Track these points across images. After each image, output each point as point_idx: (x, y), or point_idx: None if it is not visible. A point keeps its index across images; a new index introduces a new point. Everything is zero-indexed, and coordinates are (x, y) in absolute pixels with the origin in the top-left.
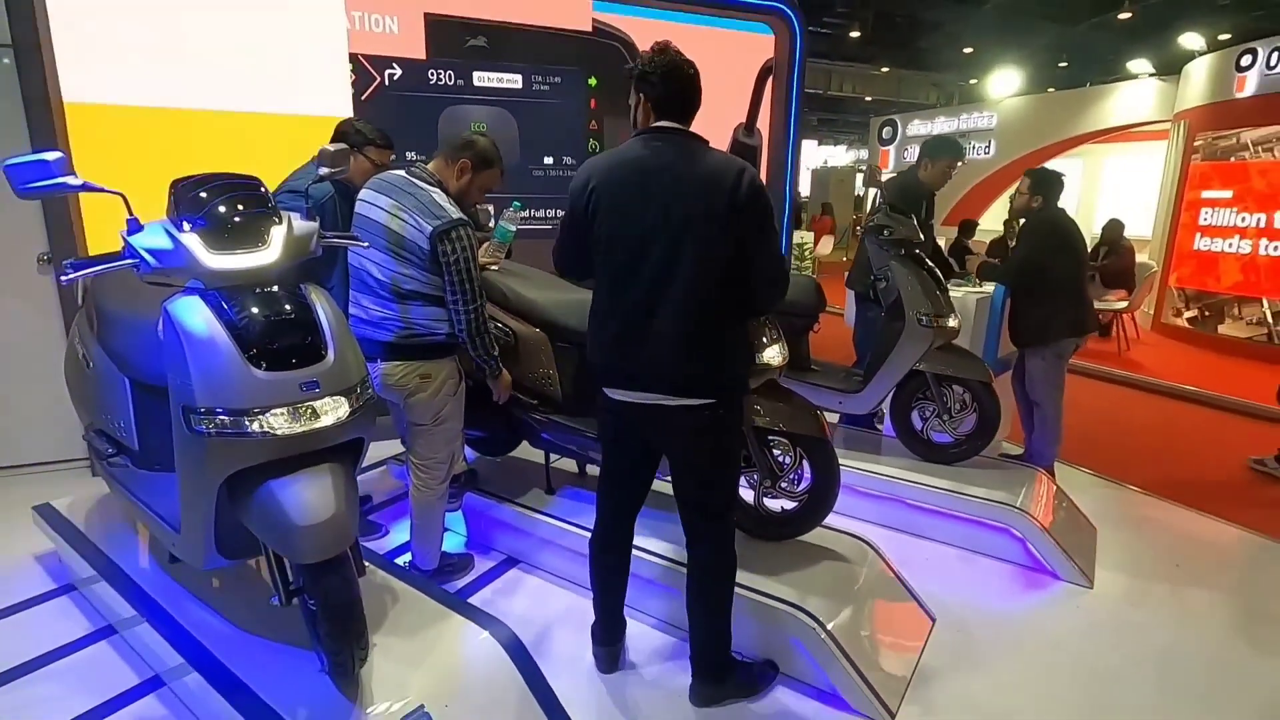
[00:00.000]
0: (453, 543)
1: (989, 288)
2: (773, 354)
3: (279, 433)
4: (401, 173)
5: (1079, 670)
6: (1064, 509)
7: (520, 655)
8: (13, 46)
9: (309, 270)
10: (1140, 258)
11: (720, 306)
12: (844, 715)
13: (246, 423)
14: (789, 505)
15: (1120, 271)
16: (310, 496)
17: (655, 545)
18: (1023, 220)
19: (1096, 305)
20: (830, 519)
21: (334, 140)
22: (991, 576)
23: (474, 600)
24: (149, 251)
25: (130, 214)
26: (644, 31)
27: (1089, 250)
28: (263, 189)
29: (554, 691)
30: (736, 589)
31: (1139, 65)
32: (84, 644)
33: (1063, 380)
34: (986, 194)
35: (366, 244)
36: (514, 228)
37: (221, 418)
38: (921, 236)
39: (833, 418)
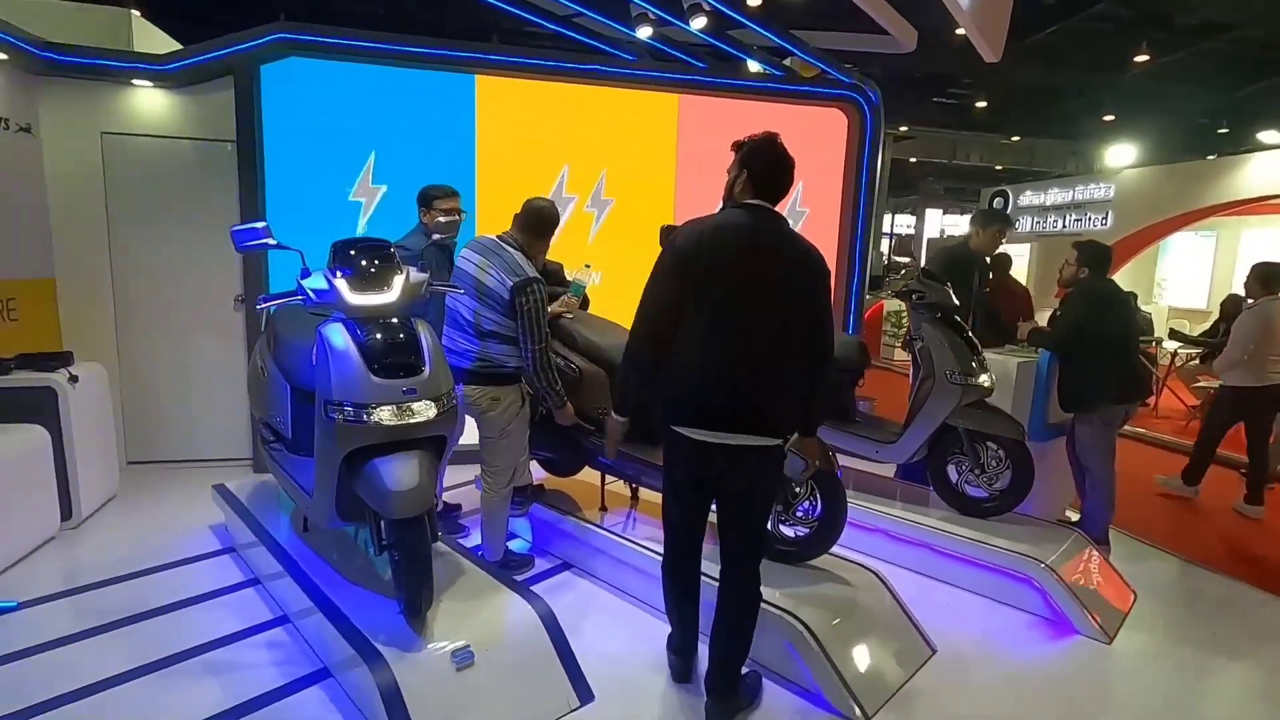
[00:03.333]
0: (519, 546)
1: (1038, 353)
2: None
3: (385, 423)
4: (494, 237)
5: (1063, 709)
6: (1097, 569)
7: (553, 627)
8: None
9: (420, 307)
10: None
11: (796, 364)
12: (823, 714)
13: (363, 414)
14: (801, 532)
15: None
16: (401, 470)
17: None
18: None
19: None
20: (862, 559)
21: (419, 202)
22: (1007, 622)
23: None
24: (313, 290)
25: (304, 265)
26: (721, 112)
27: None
28: (392, 249)
29: (578, 660)
30: None
31: (1270, 136)
32: (235, 589)
33: (1112, 447)
34: None
35: (462, 290)
36: (586, 282)
37: (347, 409)
38: (955, 301)
39: (890, 469)
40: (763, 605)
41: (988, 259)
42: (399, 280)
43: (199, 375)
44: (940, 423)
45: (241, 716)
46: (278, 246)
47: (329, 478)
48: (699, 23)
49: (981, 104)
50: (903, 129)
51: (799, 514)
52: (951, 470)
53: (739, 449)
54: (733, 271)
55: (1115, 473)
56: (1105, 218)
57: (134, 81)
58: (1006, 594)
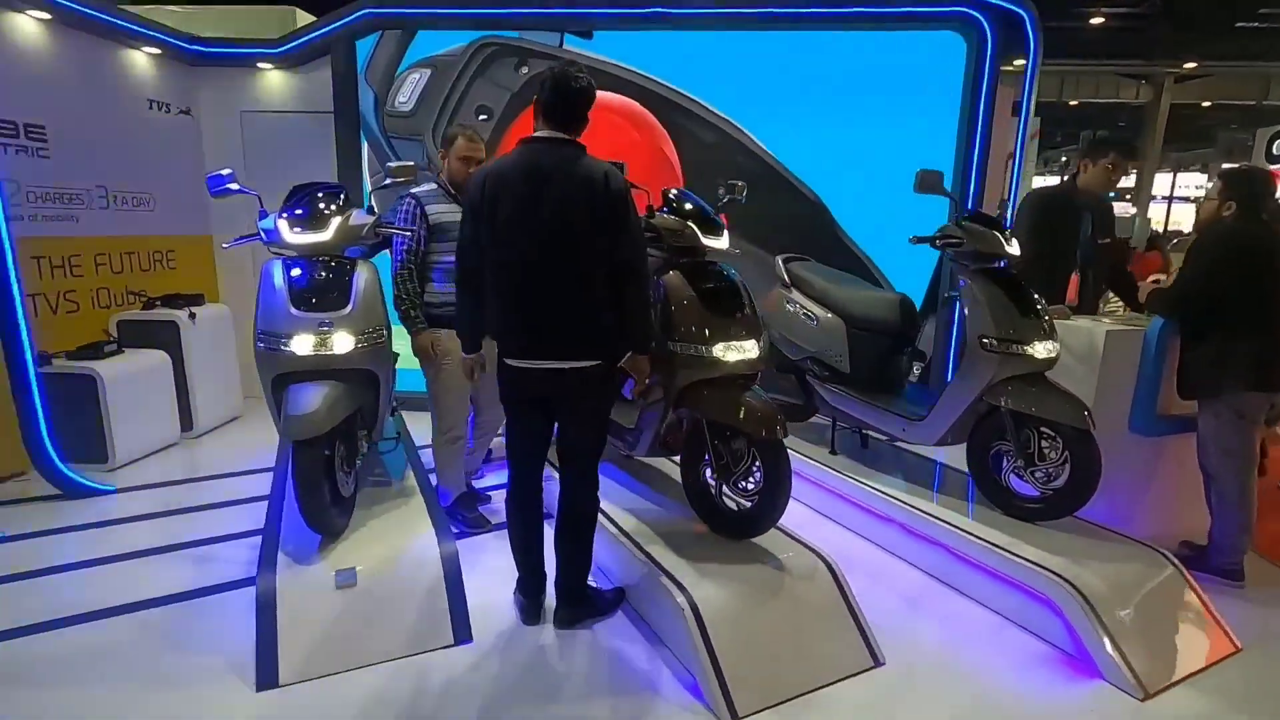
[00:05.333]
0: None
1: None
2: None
3: (298, 353)
4: None
5: None
6: (1180, 607)
7: (452, 568)
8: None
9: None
10: None
11: (600, 287)
12: (692, 702)
13: (280, 343)
14: (744, 504)
15: None
16: (306, 397)
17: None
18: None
19: None
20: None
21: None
22: (1009, 649)
23: (471, 540)
24: (264, 230)
25: (261, 207)
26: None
27: None
28: (343, 192)
29: (467, 601)
30: (648, 559)
31: None
32: (257, 501)
33: (1248, 448)
34: None
35: (409, 232)
36: None
37: (268, 338)
38: (1009, 249)
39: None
40: (660, 578)
41: (1105, 201)
42: (336, 220)
43: None
44: (973, 400)
45: (189, 600)
46: (240, 191)
47: (270, 402)
48: None
49: None
50: (1188, 66)
51: (745, 487)
52: (1003, 460)
53: (557, 372)
54: (512, 209)
55: (1252, 484)
56: None
57: (259, 65)
58: (1023, 615)
